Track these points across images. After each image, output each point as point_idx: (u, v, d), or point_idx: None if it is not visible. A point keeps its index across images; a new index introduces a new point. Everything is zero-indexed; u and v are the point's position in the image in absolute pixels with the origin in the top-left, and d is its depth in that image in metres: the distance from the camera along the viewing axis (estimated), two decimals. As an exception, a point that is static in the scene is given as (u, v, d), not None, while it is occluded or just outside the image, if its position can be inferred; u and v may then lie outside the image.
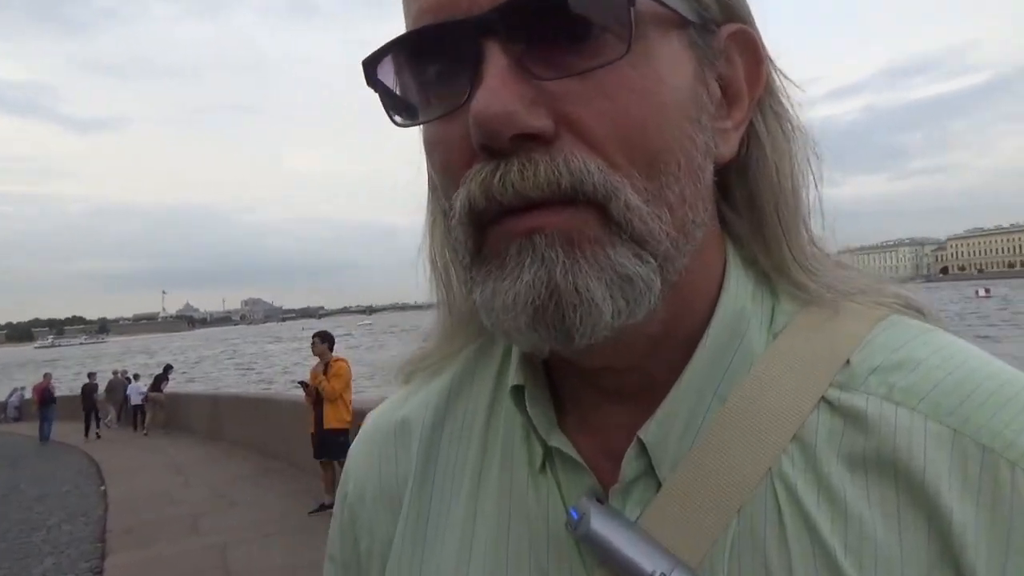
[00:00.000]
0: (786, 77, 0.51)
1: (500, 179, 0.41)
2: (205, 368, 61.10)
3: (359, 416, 6.78)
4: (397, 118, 0.46)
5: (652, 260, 0.43)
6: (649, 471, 0.47)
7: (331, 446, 6.95)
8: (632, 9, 0.41)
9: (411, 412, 0.61)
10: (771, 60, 0.50)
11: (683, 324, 0.48)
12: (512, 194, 0.41)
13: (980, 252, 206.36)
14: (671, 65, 0.44)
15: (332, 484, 6.93)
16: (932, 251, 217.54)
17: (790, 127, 0.51)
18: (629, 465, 0.47)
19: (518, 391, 0.51)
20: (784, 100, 0.51)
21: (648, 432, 0.47)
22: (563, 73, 0.41)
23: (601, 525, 0.45)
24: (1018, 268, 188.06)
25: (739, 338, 0.48)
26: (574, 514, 0.47)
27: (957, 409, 0.43)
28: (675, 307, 0.46)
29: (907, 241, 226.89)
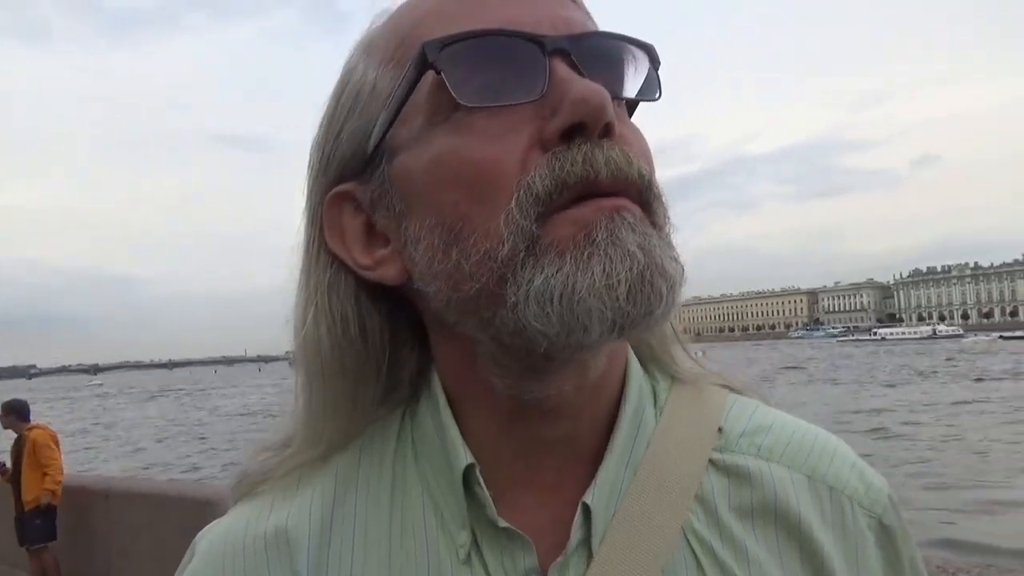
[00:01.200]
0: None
1: (603, 154, 0.44)
2: None
3: (80, 492, 5.89)
4: (466, 98, 0.47)
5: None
6: (583, 542, 0.49)
7: (32, 529, 5.94)
8: (657, 74, 0.51)
9: (289, 521, 0.54)
10: None
11: (607, 385, 0.52)
12: (609, 173, 0.44)
13: (697, 318, 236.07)
14: None
15: (55, 570, 5.91)
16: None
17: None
18: (575, 534, 0.49)
19: (469, 471, 0.51)
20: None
21: (592, 498, 0.49)
22: (616, 96, 0.48)
23: None
24: (726, 332, 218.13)
25: (641, 413, 0.54)
26: None
27: (806, 461, 0.54)
28: (610, 363, 0.51)
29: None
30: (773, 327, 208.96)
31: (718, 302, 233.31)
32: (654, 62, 0.51)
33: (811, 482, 0.53)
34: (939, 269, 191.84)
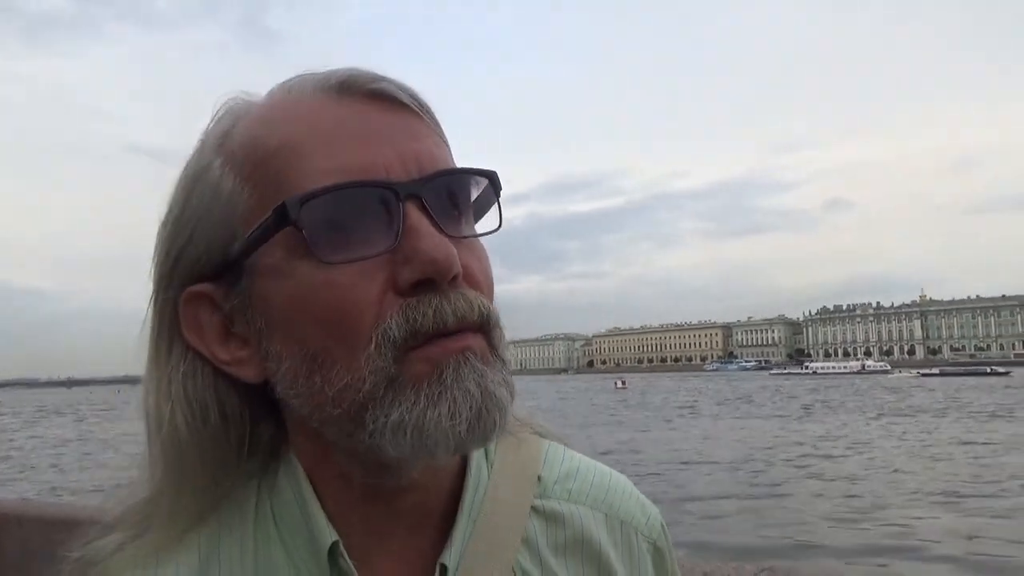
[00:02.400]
0: None
1: (451, 305, 0.51)
2: None
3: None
4: (323, 253, 0.51)
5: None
6: None
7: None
8: (498, 201, 0.58)
9: None
10: None
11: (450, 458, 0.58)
12: (455, 321, 0.51)
13: (617, 348, 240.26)
14: None
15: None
16: (581, 346, 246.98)
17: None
18: None
19: (334, 547, 0.55)
20: None
21: (448, 558, 0.57)
22: (461, 236, 0.55)
23: None
24: (645, 363, 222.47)
25: (479, 471, 0.63)
26: None
27: (603, 501, 0.67)
28: None
29: (562, 336, 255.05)
30: (690, 359, 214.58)
31: (638, 333, 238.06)
32: (495, 188, 0.57)
33: (607, 519, 0.66)
34: (845, 308, 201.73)
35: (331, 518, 0.56)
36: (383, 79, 0.55)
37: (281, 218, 0.51)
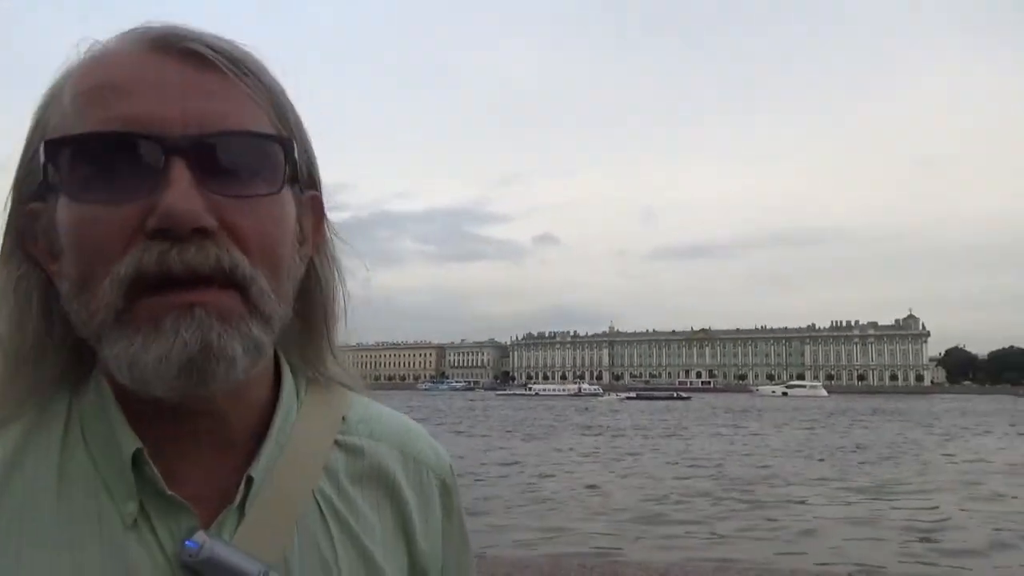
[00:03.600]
0: (336, 233, 0.72)
1: (178, 253, 0.54)
2: None
3: None
4: (68, 193, 0.56)
5: (271, 334, 0.60)
6: (239, 505, 0.62)
7: None
8: (285, 167, 0.60)
9: None
10: (327, 219, 0.70)
11: (255, 390, 0.65)
12: (183, 268, 0.54)
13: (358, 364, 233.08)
14: (288, 205, 0.62)
15: None
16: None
17: (336, 265, 0.72)
18: (236, 499, 0.61)
19: (137, 454, 0.59)
20: (331, 247, 0.71)
21: (256, 471, 0.62)
22: (231, 194, 0.57)
23: (218, 547, 0.58)
24: (383, 381, 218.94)
25: (289, 407, 0.68)
26: (192, 545, 0.57)
27: (400, 440, 0.75)
28: (255, 375, 0.62)
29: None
30: (404, 378, 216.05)
31: (354, 350, 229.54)
32: (287, 153, 0.60)
33: (403, 455, 0.74)
34: (548, 335, 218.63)
35: (136, 430, 0.60)
36: (196, 39, 0.59)
37: (46, 155, 0.56)
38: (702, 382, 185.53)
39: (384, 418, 0.76)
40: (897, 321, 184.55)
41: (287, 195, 0.62)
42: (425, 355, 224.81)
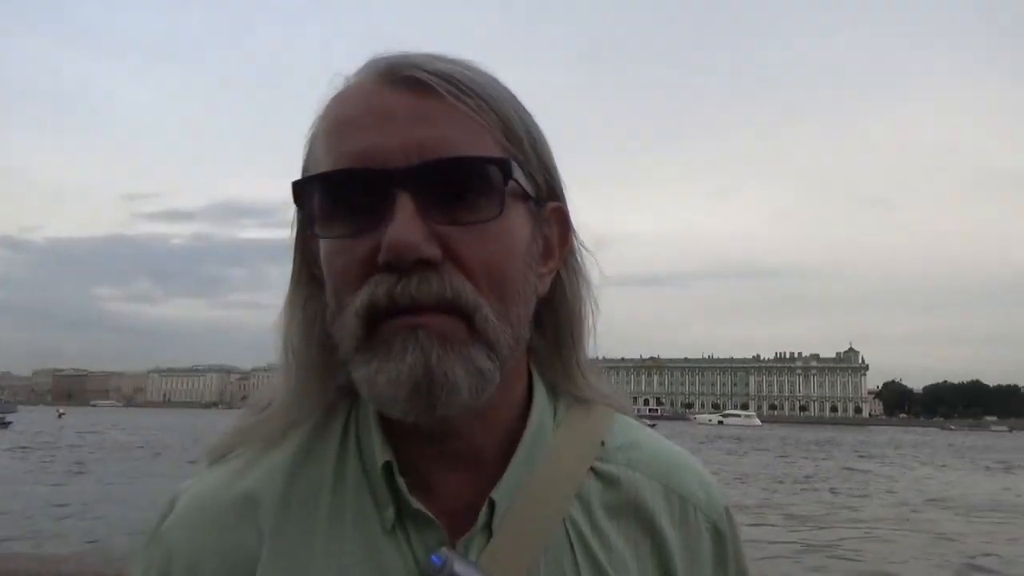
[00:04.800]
0: (582, 244, 0.70)
1: (402, 287, 0.56)
2: None
3: None
4: (317, 230, 0.60)
5: (497, 360, 0.59)
6: (485, 525, 0.62)
7: None
8: (505, 187, 0.59)
9: (255, 485, 0.65)
10: (574, 230, 0.69)
11: (504, 412, 0.66)
12: (409, 299, 0.56)
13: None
14: (519, 226, 0.62)
15: None
16: (237, 379, 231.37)
17: (583, 277, 0.70)
18: (481, 519, 0.62)
19: (387, 466, 0.63)
20: (579, 258, 0.70)
21: (499, 493, 0.62)
22: (453, 222, 0.58)
23: (460, 566, 0.58)
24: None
25: (542, 427, 0.67)
26: (437, 560, 0.59)
27: (663, 473, 0.69)
28: (501, 398, 0.63)
29: (216, 367, 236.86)
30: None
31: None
32: (506, 176, 0.59)
33: (665, 490, 0.68)
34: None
35: (392, 445, 0.64)
36: (418, 65, 0.60)
37: (293, 197, 0.62)
38: (649, 410, 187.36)
39: (648, 446, 0.72)
40: (838, 354, 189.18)
41: (517, 214, 0.62)
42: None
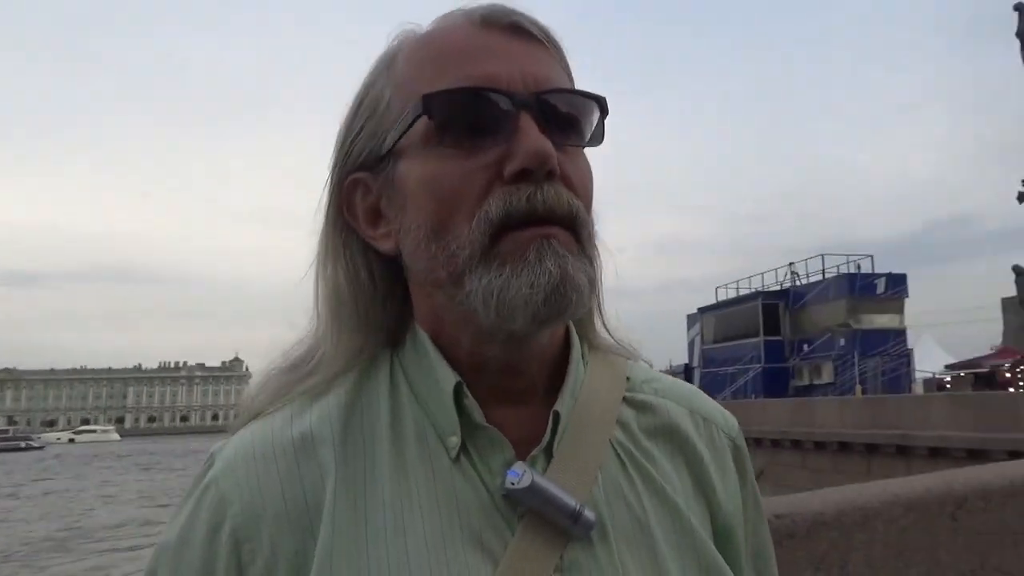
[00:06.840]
0: None
1: (542, 195, 0.61)
2: None
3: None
4: (446, 142, 0.64)
5: (595, 273, 0.67)
6: (547, 446, 0.66)
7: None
8: (603, 121, 0.68)
9: (312, 427, 0.66)
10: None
11: (554, 349, 0.71)
12: (545, 208, 0.61)
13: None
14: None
15: None
16: None
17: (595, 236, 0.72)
18: (547, 436, 0.66)
19: (458, 386, 0.65)
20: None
21: (562, 405, 0.68)
22: (565, 143, 0.65)
23: (538, 478, 0.62)
24: None
25: (579, 365, 0.73)
26: (513, 474, 0.62)
27: (688, 398, 0.77)
28: (554, 332, 0.70)
29: None
30: None
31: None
32: (603, 111, 0.68)
33: (691, 414, 0.76)
34: None
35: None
36: (518, 14, 0.67)
37: (421, 107, 0.64)
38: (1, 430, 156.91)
39: (667, 379, 0.79)
40: (224, 363, 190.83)
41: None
42: None
